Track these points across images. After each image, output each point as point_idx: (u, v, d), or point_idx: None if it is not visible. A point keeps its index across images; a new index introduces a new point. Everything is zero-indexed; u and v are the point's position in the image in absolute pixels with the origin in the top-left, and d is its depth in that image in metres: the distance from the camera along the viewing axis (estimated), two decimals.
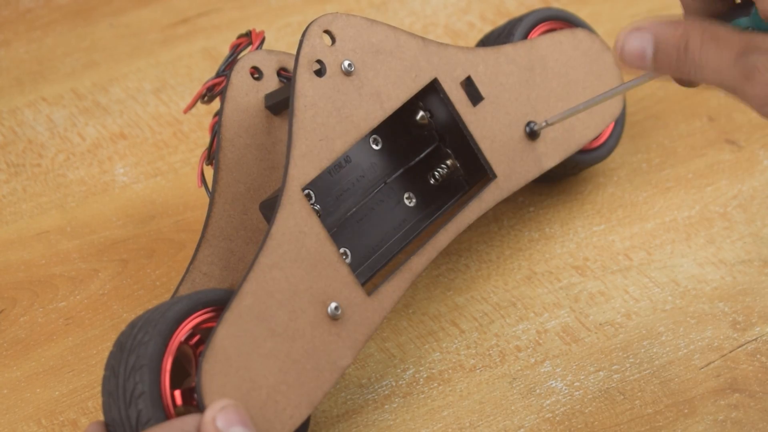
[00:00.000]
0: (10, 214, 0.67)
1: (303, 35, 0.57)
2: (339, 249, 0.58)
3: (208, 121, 0.71)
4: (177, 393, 0.52)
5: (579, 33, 0.65)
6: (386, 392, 0.59)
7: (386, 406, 0.59)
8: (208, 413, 0.51)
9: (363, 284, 0.57)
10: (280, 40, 0.76)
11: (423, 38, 0.60)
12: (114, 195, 0.68)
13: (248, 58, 0.60)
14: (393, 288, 0.57)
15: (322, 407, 0.59)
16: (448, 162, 0.61)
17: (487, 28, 0.77)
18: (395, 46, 0.59)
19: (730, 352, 0.60)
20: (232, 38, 0.76)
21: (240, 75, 0.60)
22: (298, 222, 0.55)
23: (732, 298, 0.62)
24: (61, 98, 0.73)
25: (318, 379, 0.54)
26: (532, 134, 0.62)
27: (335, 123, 0.57)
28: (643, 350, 0.60)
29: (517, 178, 0.61)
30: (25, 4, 0.78)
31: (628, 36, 0.51)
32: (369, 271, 0.58)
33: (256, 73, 0.60)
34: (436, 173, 0.61)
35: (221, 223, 0.59)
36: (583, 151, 0.65)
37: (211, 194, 0.59)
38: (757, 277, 0.63)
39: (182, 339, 0.53)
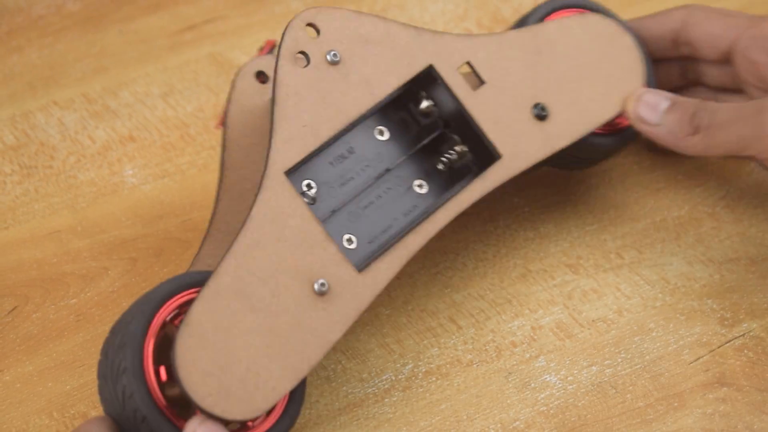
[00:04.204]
0: (22, 214, 0.67)
1: (285, 28, 0.57)
2: (344, 235, 0.58)
3: (213, 124, 0.72)
4: (162, 369, 0.53)
5: (591, 17, 0.64)
6: (386, 386, 0.60)
7: (386, 400, 0.59)
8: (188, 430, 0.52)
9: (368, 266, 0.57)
10: None
11: (416, 28, 0.60)
12: (123, 196, 0.68)
13: (254, 63, 0.61)
14: (386, 265, 0.57)
15: (323, 401, 0.59)
16: (457, 148, 0.61)
17: None
18: (385, 35, 0.59)
19: (719, 347, 0.61)
20: (237, 44, 0.76)
21: (245, 79, 0.61)
22: (280, 203, 0.55)
23: (720, 295, 0.63)
24: (72, 102, 0.72)
25: (303, 353, 0.54)
26: (540, 115, 0.61)
27: (321, 110, 0.57)
28: (634, 346, 0.61)
29: (525, 157, 0.60)
30: (37, 11, 0.77)
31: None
32: (374, 255, 0.58)
33: (263, 77, 0.61)
34: (443, 158, 0.61)
35: (227, 218, 0.60)
36: (601, 134, 0.64)
37: (216, 192, 0.60)
38: (744, 275, 0.64)
39: (167, 318, 0.53)
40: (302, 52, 0.57)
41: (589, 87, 0.62)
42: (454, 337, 0.62)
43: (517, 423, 0.58)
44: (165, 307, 0.54)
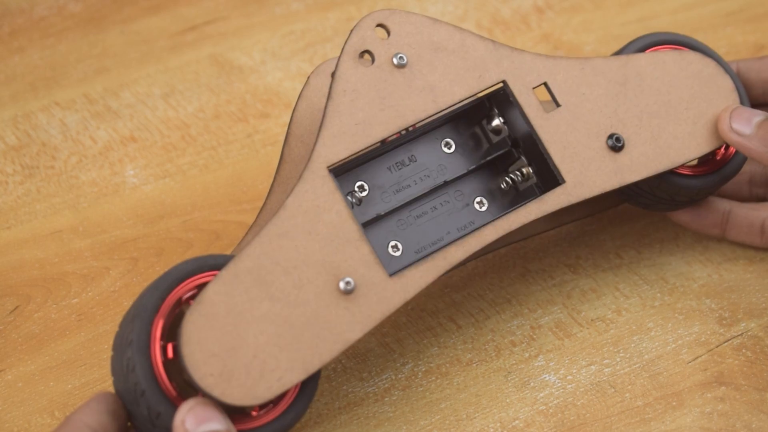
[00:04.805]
0: (24, 214, 0.67)
1: (354, 26, 0.57)
2: (390, 241, 0.57)
3: (215, 125, 0.72)
4: (170, 346, 0.52)
5: (689, 55, 0.61)
6: (386, 385, 0.60)
7: (386, 399, 0.59)
8: (177, 417, 0.51)
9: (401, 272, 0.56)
10: (284, 47, 0.76)
11: (494, 42, 0.59)
12: (124, 196, 0.68)
13: (331, 62, 0.60)
14: (420, 273, 0.55)
15: (323, 400, 0.59)
16: (523, 169, 0.60)
17: (484, 36, 0.77)
18: (459, 45, 0.58)
19: (717, 346, 0.61)
20: (238, 45, 0.77)
21: (319, 77, 0.59)
22: (317, 196, 0.54)
23: (718, 294, 0.63)
24: (73, 103, 0.73)
25: (317, 348, 0.53)
26: (615, 146, 0.59)
27: (377, 111, 0.56)
28: (633, 345, 0.61)
29: (590, 186, 0.58)
30: (39, 12, 0.77)
31: None
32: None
33: None
34: (507, 178, 0.60)
35: (275, 211, 0.58)
36: (687, 175, 0.62)
37: (271, 184, 0.59)
38: (742, 275, 0.64)
39: (183, 296, 0.53)
40: (368, 51, 0.56)
41: (674, 124, 0.60)
42: (453, 336, 0.62)
43: (517, 422, 0.58)
44: (183, 285, 0.53)
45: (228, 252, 0.66)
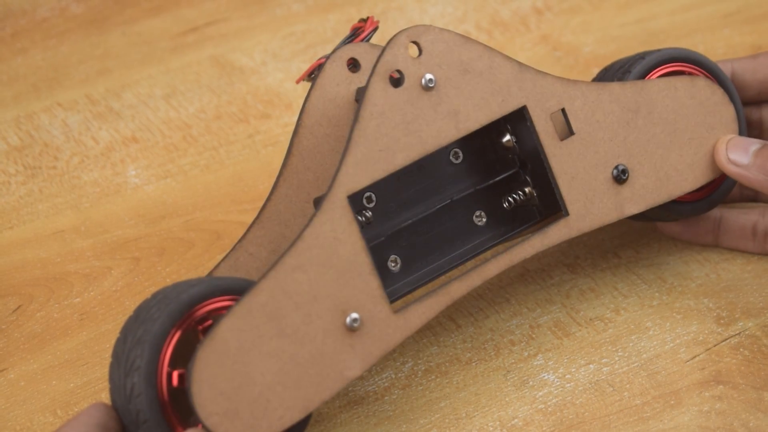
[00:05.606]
0: (27, 214, 0.67)
1: (388, 42, 0.55)
2: (391, 255, 0.57)
3: (216, 125, 0.72)
4: (175, 374, 0.52)
5: (699, 81, 0.60)
6: (386, 384, 0.60)
7: (386, 398, 0.59)
8: None
9: (403, 295, 0.56)
10: (285, 48, 0.77)
11: (520, 63, 0.57)
12: (126, 196, 0.68)
13: (348, 48, 0.58)
14: (424, 309, 0.55)
15: None
16: (526, 190, 0.59)
17: (483, 37, 0.77)
18: (487, 67, 0.56)
19: (715, 345, 0.61)
20: (239, 46, 0.77)
21: (335, 64, 0.57)
22: (335, 228, 0.53)
23: (716, 294, 0.63)
24: (75, 103, 0.73)
25: (318, 386, 0.53)
26: (619, 178, 0.59)
27: (401, 136, 0.55)
28: (631, 344, 0.61)
29: (592, 219, 0.58)
30: (41, 13, 0.78)
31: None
32: (414, 283, 0.57)
33: (354, 64, 0.58)
34: (510, 198, 0.59)
35: (280, 207, 0.58)
36: (678, 201, 0.62)
37: (277, 177, 0.58)
38: (740, 275, 0.64)
39: (194, 322, 0.52)
40: (398, 71, 0.55)
41: (676, 154, 0.60)
42: (453, 335, 0.62)
43: (516, 420, 0.58)
44: (195, 310, 0.52)
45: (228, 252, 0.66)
